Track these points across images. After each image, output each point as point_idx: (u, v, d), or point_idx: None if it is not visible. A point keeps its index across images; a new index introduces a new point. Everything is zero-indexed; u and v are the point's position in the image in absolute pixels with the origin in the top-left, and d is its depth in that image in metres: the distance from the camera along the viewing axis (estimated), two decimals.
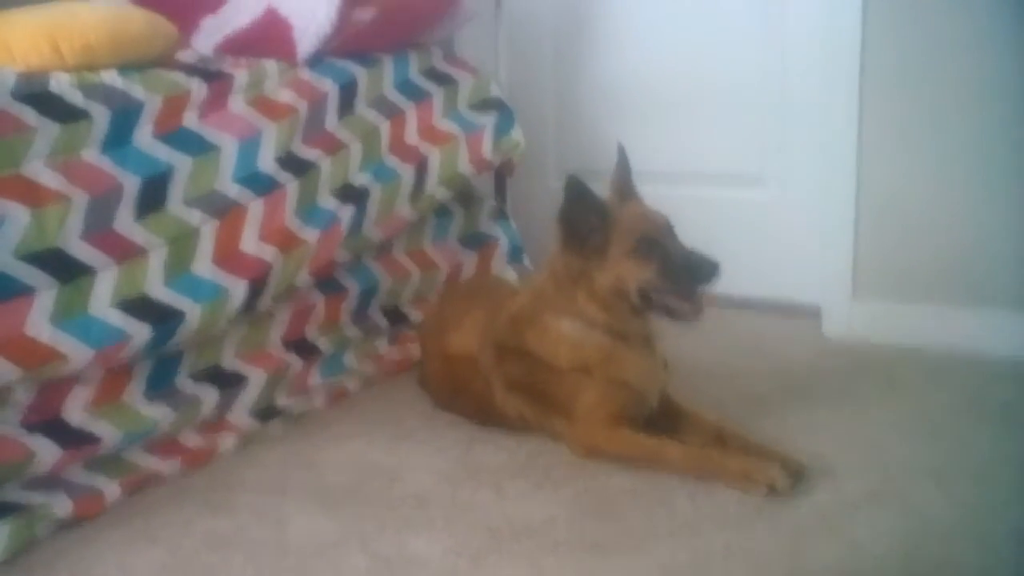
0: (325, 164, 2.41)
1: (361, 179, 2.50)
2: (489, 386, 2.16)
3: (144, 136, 2.05)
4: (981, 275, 2.62)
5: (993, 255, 2.60)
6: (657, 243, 2.00)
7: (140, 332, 1.92)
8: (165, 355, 2.06)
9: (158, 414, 2.02)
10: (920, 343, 2.66)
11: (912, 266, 2.71)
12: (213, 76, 2.24)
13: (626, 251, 1.99)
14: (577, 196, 1.98)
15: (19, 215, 1.78)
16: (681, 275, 1.99)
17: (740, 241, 3.10)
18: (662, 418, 2.09)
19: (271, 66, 2.39)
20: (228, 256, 2.13)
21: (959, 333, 2.62)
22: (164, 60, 2.24)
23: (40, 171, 1.84)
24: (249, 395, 2.25)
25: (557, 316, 2.08)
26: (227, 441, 2.15)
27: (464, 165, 2.79)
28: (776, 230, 3.10)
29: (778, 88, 3.04)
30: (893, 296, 2.75)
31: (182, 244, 2.06)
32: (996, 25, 2.52)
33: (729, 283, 3.07)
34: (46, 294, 1.80)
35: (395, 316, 2.76)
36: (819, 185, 2.88)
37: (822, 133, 2.83)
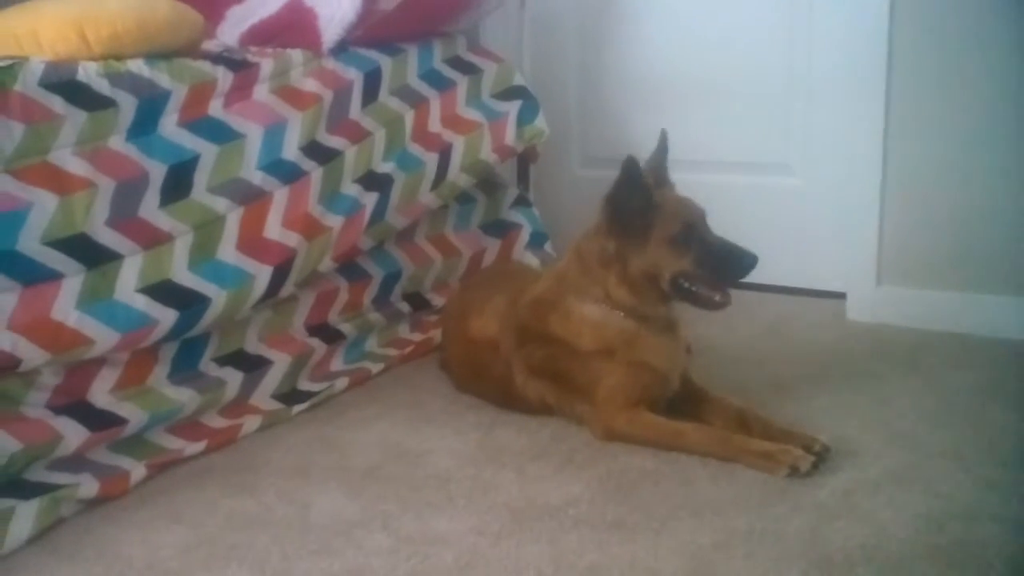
0: (349, 152, 2.43)
1: (385, 167, 2.52)
2: (510, 370, 2.17)
3: (170, 124, 2.08)
4: (1003, 262, 2.60)
5: (1015, 243, 2.58)
6: (697, 233, 2.02)
7: (166, 317, 1.95)
8: (190, 339, 2.09)
9: (183, 397, 2.05)
10: (943, 328, 2.64)
11: (936, 253, 2.69)
12: (239, 65, 2.26)
13: (666, 238, 2.00)
14: (631, 178, 1.98)
15: (46, 202, 1.81)
16: (720, 266, 2.00)
17: (766, 228, 3.07)
18: (685, 403, 2.10)
19: (296, 55, 2.41)
20: (253, 242, 2.15)
21: (981, 318, 2.60)
22: (190, 49, 2.26)
23: (67, 159, 1.87)
24: (272, 378, 2.27)
25: (580, 299, 2.09)
26: (251, 423, 2.17)
27: (487, 153, 2.80)
28: (802, 218, 3.08)
29: (804, 77, 3.03)
30: (917, 282, 2.74)
31: (207, 230, 2.08)
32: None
33: (756, 269, 3.06)
34: (73, 279, 1.83)
35: (417, 302, 2.77)
36: (845, 173, 2.85)
37: (848, 122, 2.81)
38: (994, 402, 2.16)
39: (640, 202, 1.99)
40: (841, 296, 2.90)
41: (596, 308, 2.07)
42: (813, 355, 2.52)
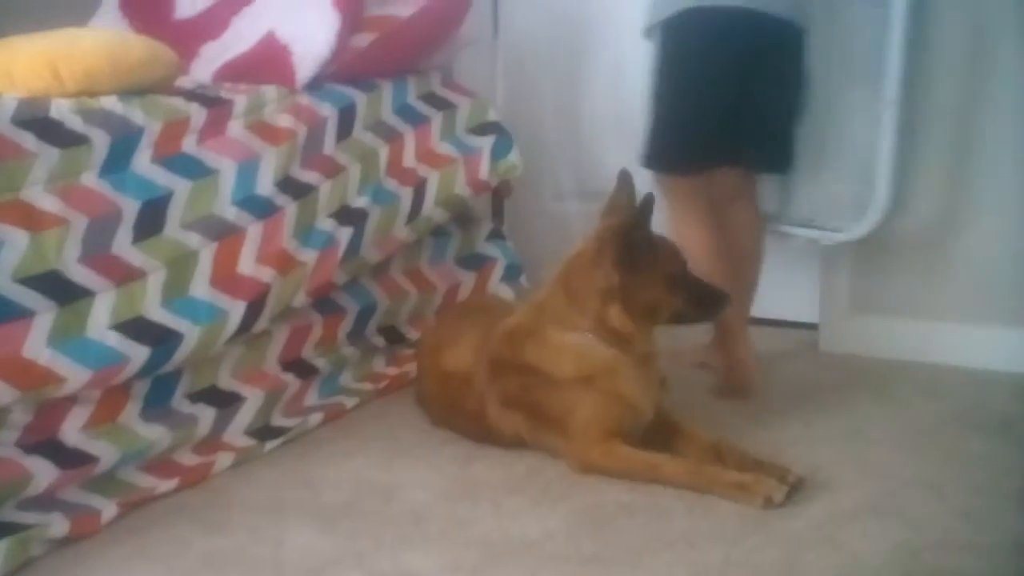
0: (324, 187, 2.43)
1: (359, 201, 2.52)
2: (483, 403, 2.16)
3: (143, 161, 2.07)
4: (973, 292, 2.63)
5: (985, 272, 2.61)
6: (686, 276, 2.12)
7: (138, 354, 1.94)
8: (162, 375, 2.07)
9: (155, 434, 2.03)
10: (915, 358, 2.66)
11: (908, 283, 2.72)
12: (213, 101, 2.26)
13: (666, 277, 2.08)
14: (647, 217, 2.04)
15: (18, 239, 1.80)
16: (705, 304, 2.14)
17: None
18: (659, 435, 2.09)
19: (270, 91, 2.41)
20: (226, 278, 2.14)
21: (953, 348, 2.62)
22: (164, 86, 2.26)
23: (39, 196, 1.86)
24: (245, 415, 2.25)
25: (562, 329, 2.09)
26: (223, 460, 2.14)
27: (461, 187, 2.81)
28: (774, 249, 3.09)
29: None
30: (889, 313, 2.76)
31: (180, 267, 2.07)
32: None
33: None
34: (44, 317, 1.81)
35: (393, 336, 2.76)
36: None
37: None
38: (967, 431, 2.18)
39: (648, 239, 2.06)
40: (813, 327, 2.92)
41: (579, 336, 2.08)
42: (786, 386, 2.54)
